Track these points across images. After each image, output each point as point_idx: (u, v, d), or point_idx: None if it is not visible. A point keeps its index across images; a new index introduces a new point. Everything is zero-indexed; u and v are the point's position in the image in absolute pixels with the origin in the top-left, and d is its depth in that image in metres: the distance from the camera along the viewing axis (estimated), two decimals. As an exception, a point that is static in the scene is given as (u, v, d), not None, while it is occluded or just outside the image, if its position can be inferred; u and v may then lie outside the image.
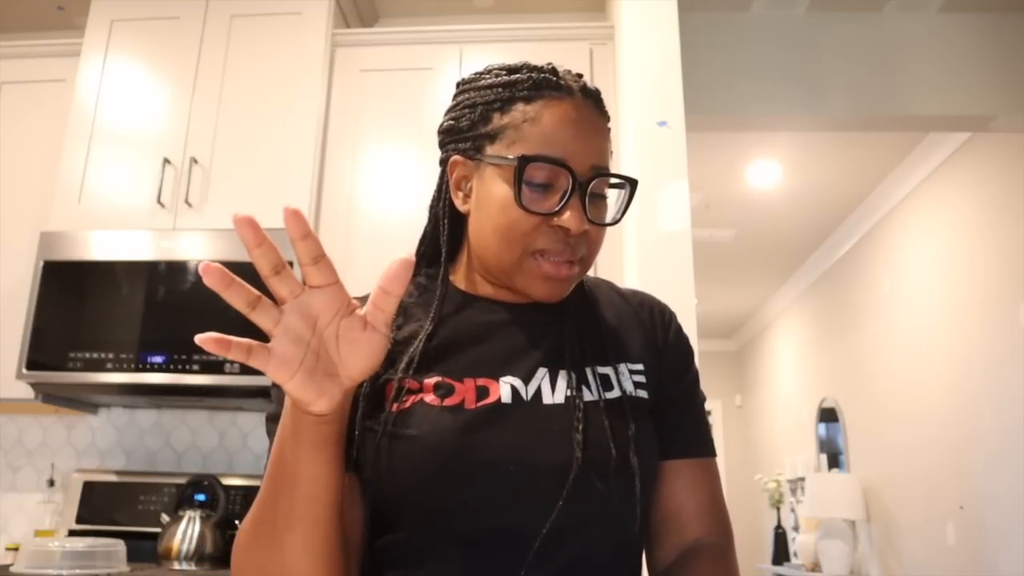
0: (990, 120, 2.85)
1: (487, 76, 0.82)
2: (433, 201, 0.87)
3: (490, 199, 0.78)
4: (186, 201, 2.26)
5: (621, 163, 2.19)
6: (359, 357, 0.60)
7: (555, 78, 0.80)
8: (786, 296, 6.36)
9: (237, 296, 0.55)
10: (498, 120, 0.79)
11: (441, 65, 2.40)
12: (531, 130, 0.77)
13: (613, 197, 0.83)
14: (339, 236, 2.27)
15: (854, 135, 3.75)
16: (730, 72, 2.87)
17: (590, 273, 0.93)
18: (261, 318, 0.57)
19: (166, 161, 2.30)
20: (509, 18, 2.84)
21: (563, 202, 0.75)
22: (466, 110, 0.81)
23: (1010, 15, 2.85)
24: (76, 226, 2.25)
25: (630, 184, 0.81)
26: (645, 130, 1.94)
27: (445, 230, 0.84)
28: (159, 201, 2.25)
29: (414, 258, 0.58)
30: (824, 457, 5.50)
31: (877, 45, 2.87)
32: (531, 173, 0.76)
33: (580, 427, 0.73)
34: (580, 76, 0.83)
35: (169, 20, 2.46)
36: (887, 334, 4.49)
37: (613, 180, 0.80)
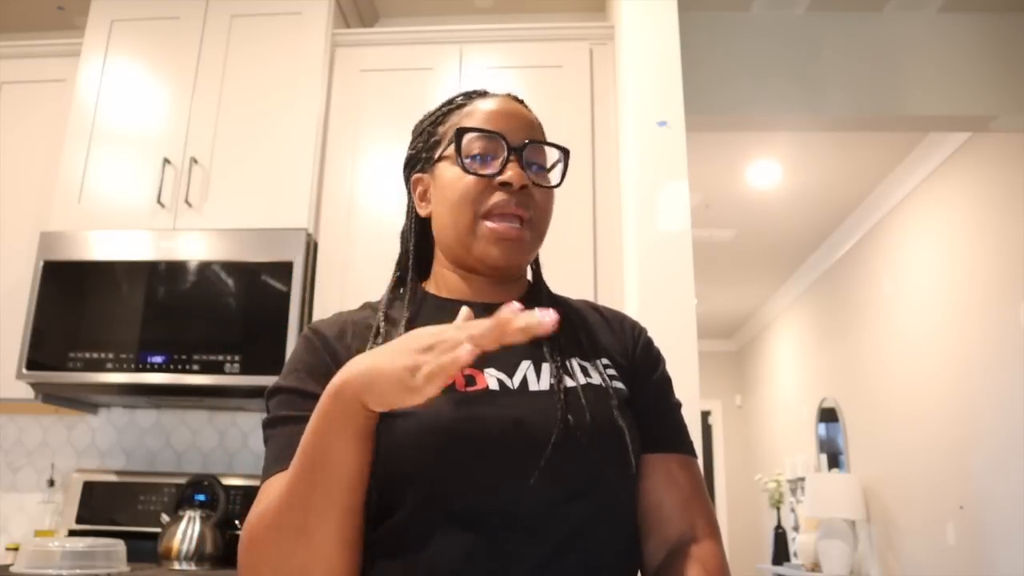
0: (990, 120, 2.85)
1: (431, 110, 0.95)
2: (403, 229, 0.95)
3: (444, 185, 0.88)
4: (186, 201, 2.26)
5: (621, 163, 2.19)
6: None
7: (483, 90, 0.93)
8: (786, 296, 6.36)
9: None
10: (441, 130, 0.91)
11: (441, 65, 2.39)
12: (467, 120, 0.89)
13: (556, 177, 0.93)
14: (339, 236, 2.27)
15: (854, 135, 3.75)
16: (730, 72, 2.87)
17: (571, 295, 0.99)
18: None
19: (166, 161, 2.30)
20: (509, 18, 2.84)
21: (503, 165, 0.85)
22: (417, 139, 0.94)
23: (1010, 15, 2.85)
24: (76, 226, 2.25)
25: (564, 153, 0.91)
26: (645, 130, 1.93)
27: (413, 238, 0.92)
28: (159, 201, 2.25)
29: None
30: (824, 457, 5.50)
31: (877, 45, 2.87)
32: (470, 145, 0.86)
33: (561, 405, 0.78)
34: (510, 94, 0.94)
35: (169, 20, 2.46)
36: (887, 334, 4.49)
37: (549, 150, 0.90)
